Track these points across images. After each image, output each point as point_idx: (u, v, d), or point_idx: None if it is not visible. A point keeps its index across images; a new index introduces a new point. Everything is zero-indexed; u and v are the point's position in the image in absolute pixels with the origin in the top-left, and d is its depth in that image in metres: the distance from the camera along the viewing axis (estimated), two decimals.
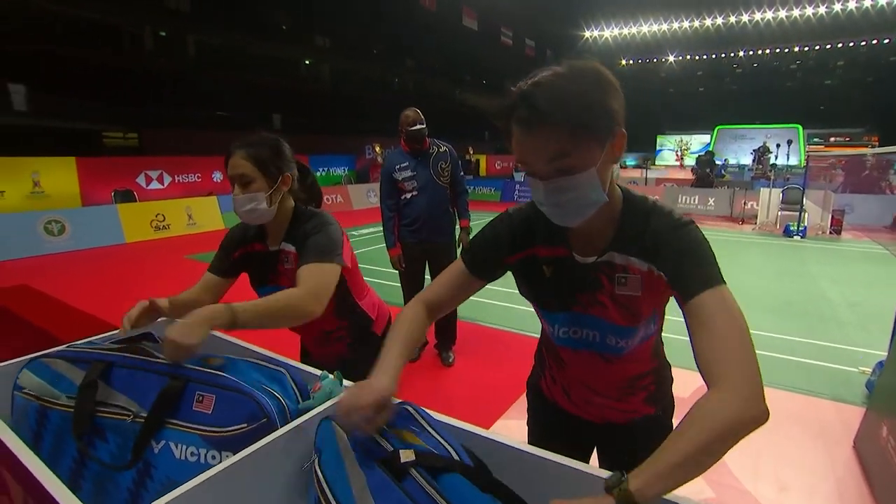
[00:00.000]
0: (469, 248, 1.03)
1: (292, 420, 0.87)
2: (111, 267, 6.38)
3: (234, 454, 0.76)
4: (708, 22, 26.14)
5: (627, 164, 32.60)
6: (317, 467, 0.75)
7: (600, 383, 1.10)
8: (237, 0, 23.40)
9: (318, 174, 15.96)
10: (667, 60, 33.80)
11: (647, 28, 27.27)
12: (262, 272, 1.46)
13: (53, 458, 0.93)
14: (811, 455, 2.39)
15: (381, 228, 3.28)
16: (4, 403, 1.02)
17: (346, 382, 0.99)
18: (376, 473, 0.68)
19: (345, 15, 26.81)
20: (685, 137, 33.53)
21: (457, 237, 3.42)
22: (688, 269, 0.83)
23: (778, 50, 29.08)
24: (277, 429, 0.84)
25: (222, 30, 23.94)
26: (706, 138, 31.04)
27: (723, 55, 31.59)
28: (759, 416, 0.68)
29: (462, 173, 3.46)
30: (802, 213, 8.88)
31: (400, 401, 0.87)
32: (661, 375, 1.17)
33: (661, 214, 0.88)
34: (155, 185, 10.67)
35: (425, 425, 0.80)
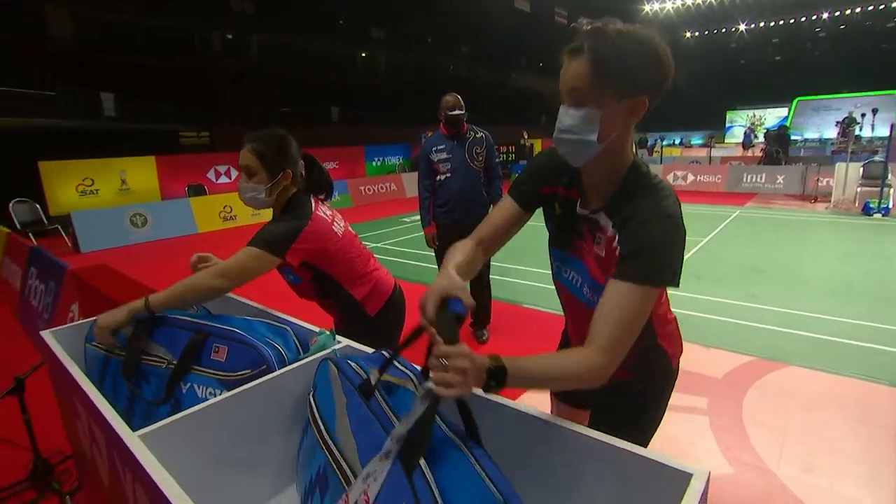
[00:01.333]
0: (514, 181, 1.13)
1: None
2: (185, 254, 7.03)
3: None
4: None
5: (693, 142, 30.75)
6: (311, 397, 0.92)
7: (584, 334, 1.09)
8: (296, 1, 24.32)
9: (373, 164, 16.49)
10: (737, 30, 31.35)
11: None
12: None
13: (113, 395, 1.17)
14: (847, 439, 2.31)
15: None
16: (81, 352, 1.28)
17: (338, 338, 1.15)
18: (353, 396, 0.84)
19: (399, 6, 27.09)
20: (759, 112, 31.09)
21: None
22: (638, 258, 0.85)
23: (871, 7, 26.15)
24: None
25: (283, 29, 25.03)
26: (783, 112, 28.64)
27: (802, 19, 28.82)
28: (595, 381, 0.83)
29: (497, 159, 3.54)
30: (885, 189, 8.11)
31: (376, 350, 1.02)
32: (644, 348, 1.04)
33: (653, 198, 0.89)
34: (223, 180, 11.50)
35: (395, 364, 0.94)
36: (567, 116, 0.89)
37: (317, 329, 1.18)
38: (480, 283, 3.49)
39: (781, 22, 29.39)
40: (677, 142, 30.54)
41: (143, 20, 20.27)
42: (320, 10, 26.06)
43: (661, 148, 17.93)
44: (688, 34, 32.60)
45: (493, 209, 1.14)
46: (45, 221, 7.99)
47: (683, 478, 0.67)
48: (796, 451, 2.22)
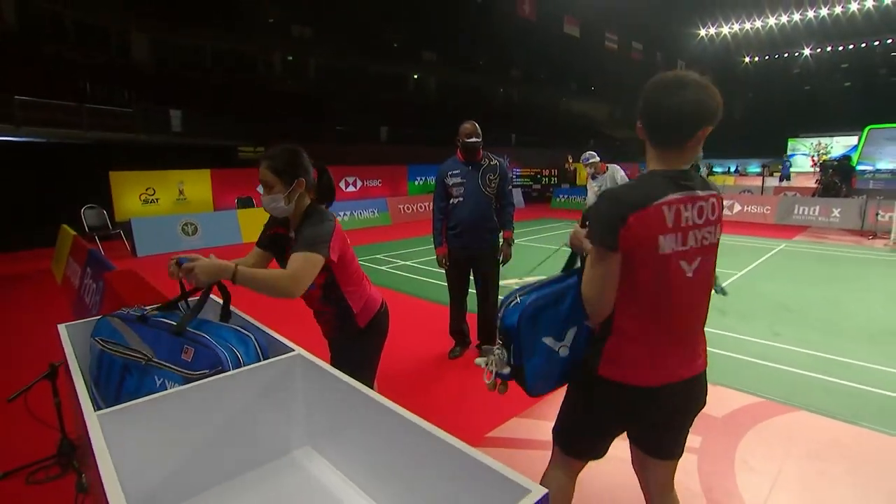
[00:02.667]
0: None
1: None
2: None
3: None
4: (853, 6, 22.78)
5: (749, 170, 29.43)
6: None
7: None
8: (353, 24, 25.58)
9: (416, 183, 16.89)
10: (801, 54, 30.05)
11: (775, 20, 24.51)
12: (280, 251, 1.85)
13: (106, 386, 1.36)
14: (841, 492, 2.21)
15: None
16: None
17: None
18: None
19: (453, 29, 27.87)
20: (824, 140, 29.47)
21: (500, 247, 3.60)
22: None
23: None
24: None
25: (340, 51, 26.34)
26: (852, 140, 27.00)
27: (876, 43, 27.26)
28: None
29: (510, 188, 3.64)
30: None
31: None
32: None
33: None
34: None
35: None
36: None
37: (281, 339, 1.34)
38: (487, 302, 3.57)
39: (851, 46, 27.92)
40: (732, 169, 29.38)
41: (213, 44, 21.97)
42: (376, 33, 27.26)
43: (707, 176, 17.33)
44: (746, 59, 31.57)
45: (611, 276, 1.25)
46: (110, 226, 8.76)
47: (521, 492, 0.75)
48: (784, 496, 2.16)
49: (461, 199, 3.44)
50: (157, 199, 10.17)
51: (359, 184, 14.79)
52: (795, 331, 4.20)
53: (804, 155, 30.33)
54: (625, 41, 23.18)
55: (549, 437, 1.56)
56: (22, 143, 11.32)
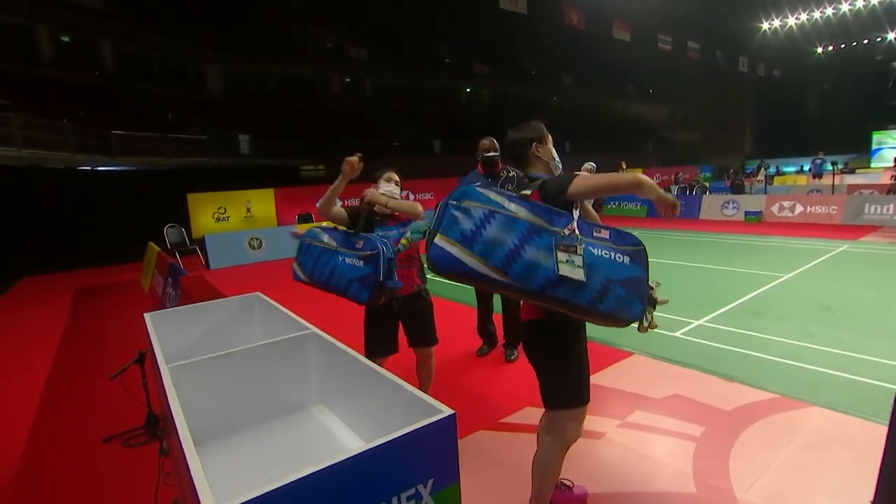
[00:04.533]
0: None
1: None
2: (286, 273, 8.24)
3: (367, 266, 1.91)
4: None
5: (826, 168, 27.27)
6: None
7: None
8: (406, 43, 26.65)
9: None
10: (883, 38, 27.67)
11: (848, 6, 22.83)
12: (366, 226, 2.50)
13: (306, 263, 2.26)
14: (836, 477, 2.29)
15: None
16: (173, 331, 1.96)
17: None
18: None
19: (503, 41, 28.29)
20: None
21: None
22: None
23: None
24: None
25: (394, 70, 27.50)
26: None
27: None
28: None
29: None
30: None
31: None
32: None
33: None
34: None
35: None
36: None
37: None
38: (511, 304, 3.84)
39: None
40: (806, 168, 27.42)
41: (277, 70, 23.70)
42: (427, 50, 28.21)
43: (766, 176, 16.47)
44: (819, 50, 29.51)
45: None
46: (188, 243, 9.83)
47: (434, 411, 1.08)
48: (772, 483, 2.28)
49: None
50: (227, 217, 11.25)
51: (411, 197, 15.42)
52: (830, 331, 4.13)
53: (892, 148, 27.77)
54: (679, 41, 22.49)
55: None
56: (116, 172, 12.91)
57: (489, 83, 32.69)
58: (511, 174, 3.83)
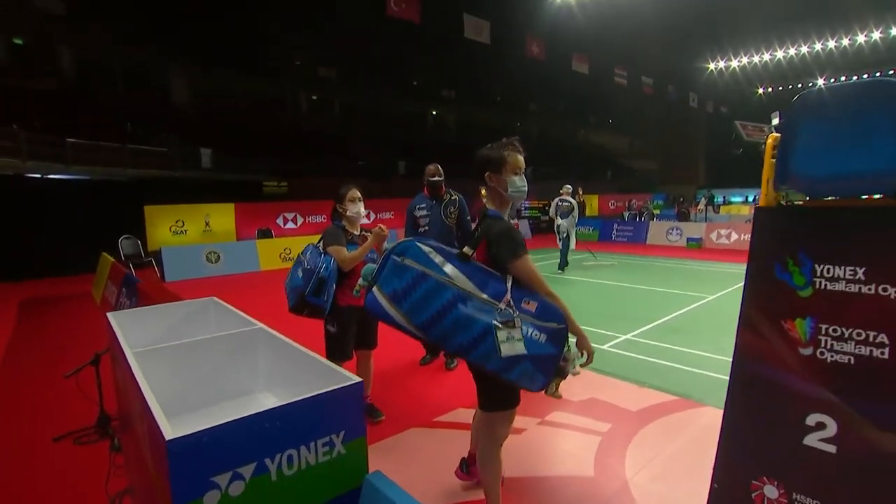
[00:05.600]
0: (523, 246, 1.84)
1: None
2: (246, 287, 8.34)
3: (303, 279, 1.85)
4: (860, 38, 23.10)
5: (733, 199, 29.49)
6: (403, 260, 1.79)
7: None
8: (375, 65, 27.20)
9: None
10: (814, 84, 30.36)
11: (783, 53, 25.02)
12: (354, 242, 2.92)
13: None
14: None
15: None
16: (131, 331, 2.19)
17: None
18: (453, 259, 1.82)
19: (469, 68, 29.27)
20: None
21: None
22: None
23: None
24: None
25: (362, 91, 27.97)
26: None
27: (891, 72, 27.40)
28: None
29: (469, 217, 4.31)
30: None
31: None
32: None
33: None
34: (290, 225, 13.13)
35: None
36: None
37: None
38: None
39: (866, 75, 28.12)
40: (751, 199, 29.35)
41: (245, 86, 23.71)
42: (396, 73, 28.86)
43: (707, 205, 17.68)
44: (760, 90, 32.01)
45: (536, 271, 1.83)
46: (143, 255, 9.74)
47: (345, 379, 1.39)
48: (659, 467, 2.67)
49: (427, 228, 4.12)
50: (185, 231, 11.21)
51: (372, 216, 15.69)
52: None
53: None
54: (634, 76, 24.02)
55: None
56: (70, 181, 12.64)
57: (456, 107, 33.65)
58: (454, 197, 4.23)
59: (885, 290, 1.67)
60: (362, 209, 3.01)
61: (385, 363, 4.28)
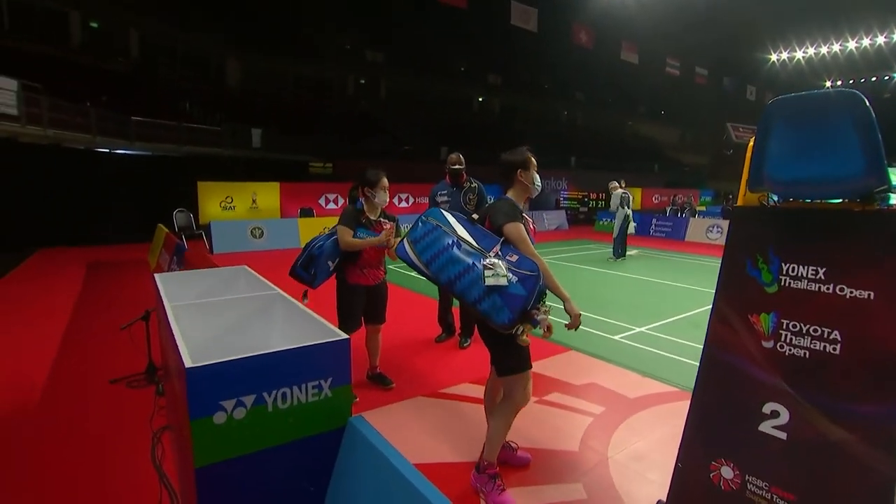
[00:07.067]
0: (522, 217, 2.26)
1: None
2: (284, 263, 8.87)
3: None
4: None
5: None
6: (427, 218, 2.30)
7: None
8: (423, 48, 27.38)
9: None
10: (892, 77, 28.14)
11: (855, 44, 23.30)
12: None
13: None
14: None
15: None
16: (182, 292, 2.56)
17: None
18: (463, 220, 2.32)
19: (516, 55, 28.94)
20: None
21: None
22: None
23: None
24: None
25: (409, 75, 28.26)
26: None
27: None
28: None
29: (487, 205, 4.50)
30: None
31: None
32: None
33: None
34: (331, 206, 13.67)
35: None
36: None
37: None
38: None
39: None
40: None
41: (296, 69, 24.48)
42: (443, 58, 28.95)
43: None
44: (827, 84, 29.98)
45: (526, 239, 2.22)
46: (194, 227, 10.48)
47: (336, 335, 1.66)
48: (641, 448, 2.84)
49: None
50: (234, 207, 11.92)
51: (411, 200, 16.05)
52: None
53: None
54: (688, 66, 23.08)
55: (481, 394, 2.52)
56: (133, 156, 13.63)
57: (501, 94, 33.36)
58: (474, 185, 4.43)
59: (841, 290, 1.78)
60: (387, 197, 3.23)
61: (403, 339, 4.59)
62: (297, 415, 1.54)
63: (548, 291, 2.17)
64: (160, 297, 2.18)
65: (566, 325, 2.24)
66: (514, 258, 2.08)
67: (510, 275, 2.01)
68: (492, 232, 2.23)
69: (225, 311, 2.18)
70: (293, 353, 1.54)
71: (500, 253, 2.09)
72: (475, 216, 2.36)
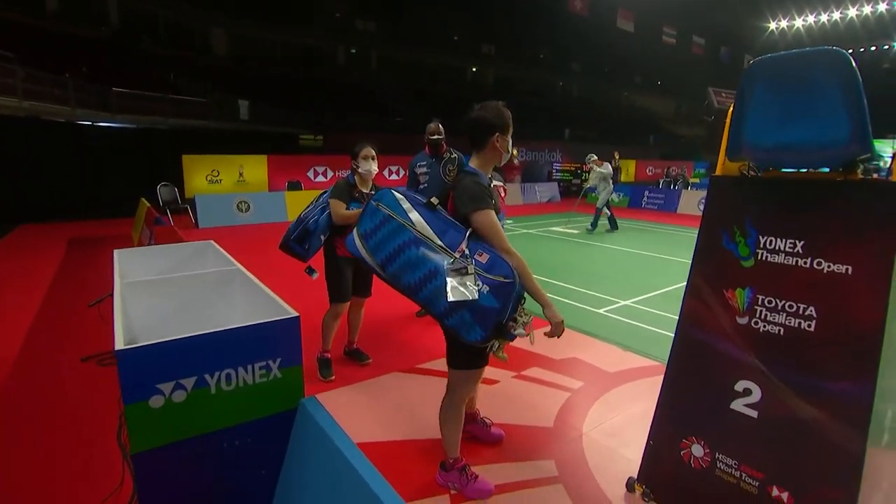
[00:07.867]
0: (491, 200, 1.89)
1: None
2: (272, 237, 8.74)
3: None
4: None
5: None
6: (377, 205, 1.91)
7: None
8: (414, 17, 26.61)
9: None
10: (893, 46, 27.64)
11: (856, 11, 22.79)
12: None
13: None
14: None
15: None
16: (137, 265, 2.46)
17: None
18: (420, 208, 1.91)
19: (510, 24, 28.20)
20: None
21: None
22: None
23: None
24: None
25: (400, 45, 27.53)
26: None
27: None
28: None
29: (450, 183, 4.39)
30: None
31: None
32: None
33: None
34: (320, 179, 13.44)
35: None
36: None
37: None
38: None
39: None
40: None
41: (284, 38, 23.77)
42: (435, 27, 28.18)
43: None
44: None
45: (497, 226, 1.87)
46: (179, 201, 10.28)
47: (286, 313, 1.58)
48: (616, 424, 2.81)
49: (426, 184, 4.23)
50: (220, 180, 11.68)
51: (401, 172, 15.80)
52: None
53: (889, 157, 27.96)
54: (684, 35, 22.56)
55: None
56: (115, 129, 13.28)
57: (496, 64, 32.64)
58: (453, 156, 4.29)
59: (818, 263, 1.70)
60: (374, 167, 3.11)
61: (383, 314, 4.53)
62: (243, 397, 1.47)
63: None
64: (113, 273, 2.08)
65: (546, 334, 1.94)
66: (485, 258, 1.75)
67: (480, 283, 1.70)
68: (456, 221, 1.89)
69: (183, 287, 2.09)
70: (238, 332, 1.45)
71: (467, 252, 1.75)
72: (434, 200, 1.95)
